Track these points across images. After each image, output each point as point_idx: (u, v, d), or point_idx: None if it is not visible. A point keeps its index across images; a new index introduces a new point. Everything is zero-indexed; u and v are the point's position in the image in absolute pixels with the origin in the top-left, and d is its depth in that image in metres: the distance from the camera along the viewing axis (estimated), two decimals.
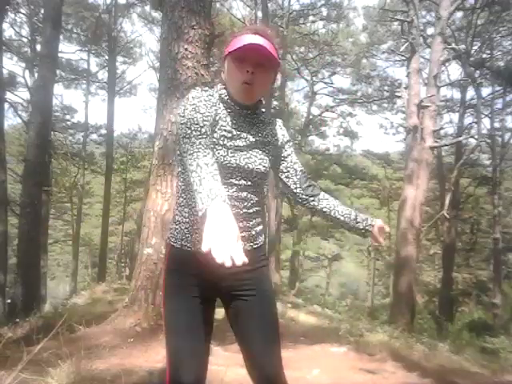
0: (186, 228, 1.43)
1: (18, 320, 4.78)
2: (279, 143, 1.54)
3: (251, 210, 1.45)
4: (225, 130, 1.42)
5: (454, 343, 6.50)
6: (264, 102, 1.56)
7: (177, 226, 1.46)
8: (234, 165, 1.40)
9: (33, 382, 2.49)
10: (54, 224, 23.17)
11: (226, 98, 1.46)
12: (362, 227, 1.60)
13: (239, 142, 1.43)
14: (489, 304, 17.26)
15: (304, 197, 1.58)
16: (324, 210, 1.58)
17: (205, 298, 1.43)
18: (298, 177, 1.56)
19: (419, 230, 10.91)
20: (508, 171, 21.00)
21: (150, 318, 4.13)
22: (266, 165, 1.47)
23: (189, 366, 1.38)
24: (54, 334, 2.48)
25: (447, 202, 12.06)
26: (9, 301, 8.18)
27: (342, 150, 25.49)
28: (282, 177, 1.57)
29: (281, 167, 1.56)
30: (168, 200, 4.40)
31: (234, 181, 1.41)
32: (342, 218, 1.57)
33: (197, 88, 1.54)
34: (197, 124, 1.34)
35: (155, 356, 3.52)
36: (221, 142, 1.40)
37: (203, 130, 1.33)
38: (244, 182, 1.42)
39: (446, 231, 17.13)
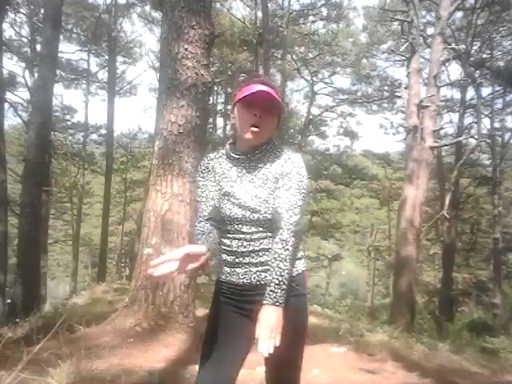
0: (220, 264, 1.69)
1: (17, 320, 4.78)
2: (277, 176, 1.57)
3: (267, 247, 1.56)
4: (229, 180, 1.62)
5: (454, 343, 6.49)
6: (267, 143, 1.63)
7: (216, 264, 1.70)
8: (240, 216, 1.57)
9: (33, 382, 2.49)
10: (54, 224, 23.16)
11: (228, 152, 1.65)
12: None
13: (242, 192, 1.59)
14: (489, 304, 17.26)
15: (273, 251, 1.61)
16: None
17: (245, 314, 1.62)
18: (277, 219, 1.54)
19: (419, 230, 10.90)
20: (508, 171, 21.00)
21: (150, 317, 4.13)
22: (270, 211, 1.54)
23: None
24: (54, 333, 2.48)
25: (447, 202, 12.05)
26: (9, 301, 8.18)
27: (342, 150, 25.50)
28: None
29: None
30: (168, 200, 4.40)
31: (244, 227, 1.57)
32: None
33: (206, 156, 1.75)
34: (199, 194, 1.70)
35: (155, 356, 3.52)
36: (226, 198, 1.61)
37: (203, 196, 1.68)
38: (255, 230, 1.56)
39: (446, 231, 17.14)
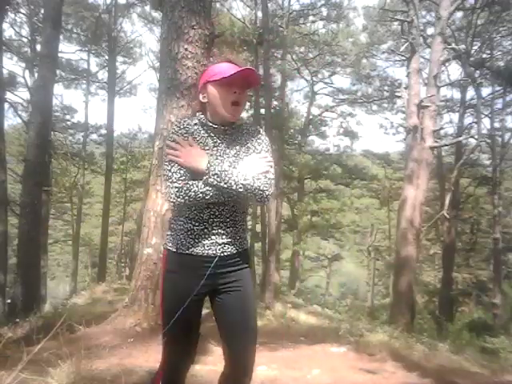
0: (181, 234, 1.66)
1: (18, 320, 4.78)
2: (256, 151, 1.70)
3: (237, 218, 1.67)
4: (206, 147, 1.66)
5: (454, 343, 6.49)
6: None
7: (173, 233, 1.69)
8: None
9: (33, 382, 2.49)
10: (54, 224, 23.17)
11: (204, 121, 1.69)
12: None
13: (221, 159, 1.65)
14: (489, 304, 17.26)
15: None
16: None
17: (198, 295, 1.65)
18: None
19: (419, 230, 10.90)
20: (508, 171, 21.00)
21: (150, 317, 4.13)
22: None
23: (183, 365, 1.76)
24: (54, 334, 2.48)
25: (447, 202, 12.05)
26: (9, 301, 8.17)
27: (342, 150, 25.49)
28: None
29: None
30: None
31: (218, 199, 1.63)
32: None
33: (178, 120, 1.78)
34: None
35: (155, 356, 3.52)
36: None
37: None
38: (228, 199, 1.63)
39: (446, 231, 17.13)
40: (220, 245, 1.63)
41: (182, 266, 1.65)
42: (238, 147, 1.68)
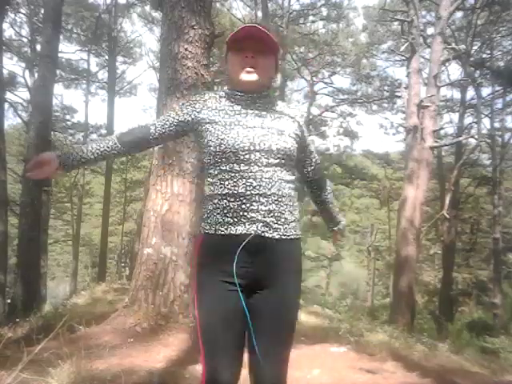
0: (218, 214, 1.41)
1: (18, 320, 4.78)
2: (298, 132, 1.53)
3: (283, 193, 1.42)
4: (234, 113, 1.48)
5: (454, 343, 6.49)
6: (270, 90, 1.58)
7: (209, 215, 1.44)
8: (253, 141, 1.41)
9: (33, 382, 2.49)
10: (54, 224, 23.16)
11: (229, 91, 1.53)
12: (328, 228, 1.93)
13: (252, 121, 1.46)
14: (489, 304, 17.25)
15: (314, 186, 1.81)
16: (319, 202, 1.87)
17: (236, 286, 1.38)
18: (313, 167, 1.73)
19: (419, 230, 10.91)
20: (508, 171, 20.98)
21: (150, 317, 4.13)
22: (287, 145, 1.46)
23: (227, 366, 1.37)
24: (54, 334, 2.48)
25: (447, 202, 12.06)
26: (9, 301, 8.18)
27: (342, 150, 25.50)
28: (299, 165, 1.66)
29: (299, 156, 1.57)
30: (168, 200, 4.40)
31: (253, 158, 1.40)
32: (325, 215, 1.90)
33: (202, 93, 1.62)
34: (177, 109, 1.55)
35: (155, 356, 3.52)
36: (235, 122, 1.45)
37: (177, 112, 1.54)
38: (266, 161, 1.41)
39: (446, 231, 17.12)
40: (261, 222, 1.37)
41: (219, 251, 1.40)
42: (276, 113, 1.51)
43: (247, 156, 1.40)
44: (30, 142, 8.51)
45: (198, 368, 3.15)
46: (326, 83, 23.35)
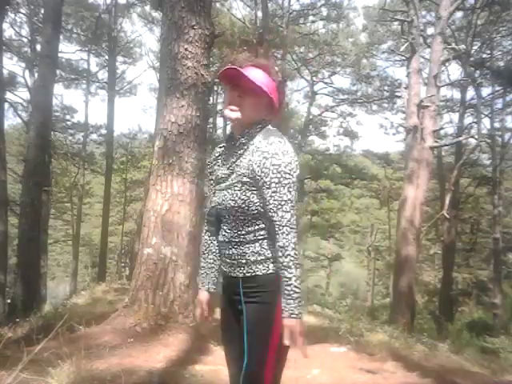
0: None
1: (18, 320, 4.78)
2: (255, 176, 1.47)
3: (239, 239, 1.52)
4: (218, 169, 1.63)
5: (453, 343, 6.50)
6: (258, 129, 1.55)
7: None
8: (218, 206, 1.57)
9: (33, 382, 2.49)
10: (54, 224, 23.17)
11: (227, 136, 1.65)
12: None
13: (219, 181, 1.59)
14: (489, 304, 17.25)
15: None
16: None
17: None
18: (267, 205, 1.48)
19: (419, 230, 10.90)
20: (508, 171, 20.98)
21: (150, 317, 4.13)
22: (237, 198, 1.49)
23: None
24: (54, 334, 2.48)
25: (447, 202, 12.05)
26: (9, 301, 8.18)
27: (342, 150, 25.51)
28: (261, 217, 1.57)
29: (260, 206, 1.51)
30: (168, 200, 4.40)
31: (221, 218, 1.57)
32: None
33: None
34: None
35: (155, 356, 3.52)
36: (214, 187, 1.63)
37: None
38: (227, 218, 1.54)
39: (446, 231, 17.12)
40: (228, 264, 1.59)
41: None
42: (242, 163, 1.51)
43: (221, 213, 1.56)
44: (30, 141, 8.51)
45: (198, 368, 3.15)
46: (326, 83, 23.38)
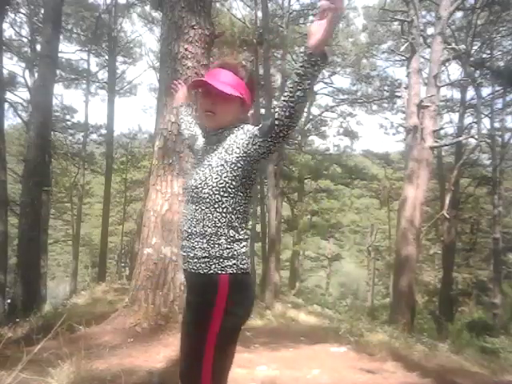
0: (246, 246, 1.55)
1: (18, 320, 4.78)
2: (240, 146, 1.49)
3: (193, 230, 1.51)
4: (196, 156, 1.73)
5: (453, 343, 6.49)
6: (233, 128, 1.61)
7: (243, 246, 1.53)
8: (184, 186, 1.62)
9: (33, 382, 2.49)
10: (54, 224, 23.18)
11: (205, 129, 1.79)
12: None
13: (198, 165, 1.62)
14: (489, 304, 17.25)
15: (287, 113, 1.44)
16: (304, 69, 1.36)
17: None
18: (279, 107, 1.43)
19: (419, 230, 10.91)
20: (508, 171, 20.99)
21: (150, 317, 4.13)
22: (206, 181, 1.49)
23: None
24: (54, 333, 2.48)
25: (447, 202, 12.06)
26: (9, 301, 8.18)
27: (342, 150, 25.51)
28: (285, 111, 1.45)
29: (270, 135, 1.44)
30: (168, 200, 4.40)
31: (187, 200, 1.57)
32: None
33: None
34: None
35: (155, 356, 3.52)
36: (192, 167, 1.69)
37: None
38: (190, 199, 1.54)
39: (446, 231, 17.12)
40: (183, 254, 1.59)
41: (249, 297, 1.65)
42: (218, 150, 1.56)
43: (188, 200, 1.57)
44: (30, 141, 8.50)
45: None
46: (326, 83, 23.38)
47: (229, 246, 1.49)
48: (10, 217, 9.65)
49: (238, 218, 1.51)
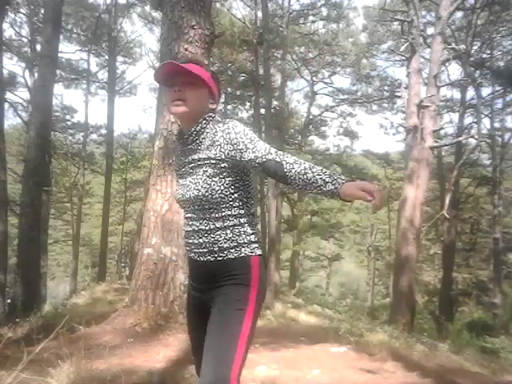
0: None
1: (18, 320, 4.78)
2: (224, 153, 1.48)
3: (211, 227, 1.53)
4: (179, 166, 1.64)
5: (453, 343, 6.50)
6: (208, 120, 1.57)
7: (257, 235, 1.58)
8: (182, 198, 1.58)
9: (33, 382, 2.49)
10: (54, 224, 23.18)
11: (177, 132, 1.70)
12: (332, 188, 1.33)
13: (182, 175, 1.61)
14: (489, 304, 17.26)
15: (288, 174, 1.39)
16: (300, 172, 1.37)
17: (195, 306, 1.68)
18: (268, 164, 1.41)
19: (419, 230, 10.91)
20: (508, 171, 21.00)
21: (150, 317, 4.13)
22: (200, 188, 1.50)
23: None
24: (54, 334, 2.48)
25: (447, 202, 12.07)
26: (9, 301, 8.18)
27: (342, 150, 25.51)
28: (262, 172, 1.47)
29: (252, 166, 1.46)
30: (168, 200, 4.40)
31: (187, 210, 1.59)
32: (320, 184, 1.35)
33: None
34: None
35: (155, 356, 3.52)
36: (178, 176, 1.65)
37: None
38: (192, 209, 1.56)
39: (446, 231, 17.13)
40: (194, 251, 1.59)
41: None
42: (197, 159, 1.52)
43: (184, 207, 1.60)
44: (30, 141, 8.49)
45: None
46: (326, 83, 23.41)
47: (254, 231, 1.55)
48: (10, 217, 9.65)
49: (252, 204, 1.58)
